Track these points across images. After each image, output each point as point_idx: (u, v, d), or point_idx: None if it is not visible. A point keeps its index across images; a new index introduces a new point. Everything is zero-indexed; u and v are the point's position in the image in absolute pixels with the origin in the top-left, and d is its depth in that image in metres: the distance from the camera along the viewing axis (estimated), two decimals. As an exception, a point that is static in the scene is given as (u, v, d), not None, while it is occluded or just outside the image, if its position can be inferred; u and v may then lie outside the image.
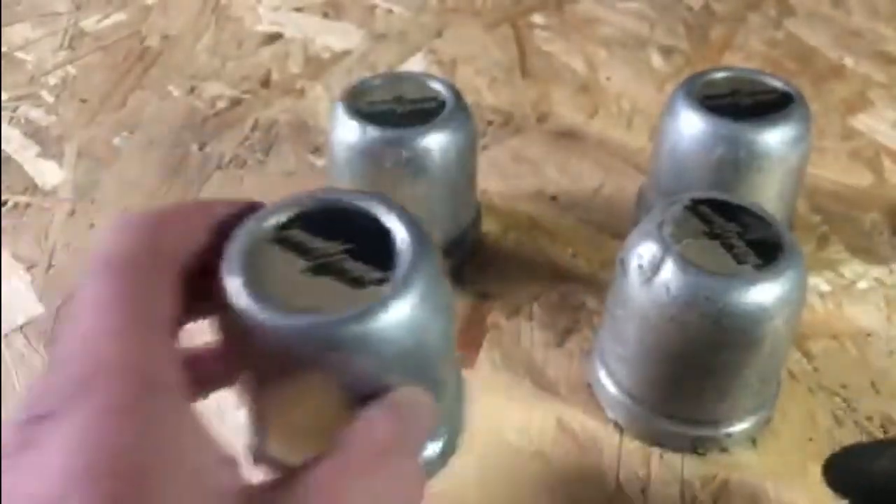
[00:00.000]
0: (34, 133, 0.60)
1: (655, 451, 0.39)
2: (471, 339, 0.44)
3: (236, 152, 0.57)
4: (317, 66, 0.66)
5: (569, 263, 0.48)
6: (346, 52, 0.68)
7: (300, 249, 0.25)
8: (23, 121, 0.61)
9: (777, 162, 0.42)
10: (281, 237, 0.26)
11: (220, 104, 0.62)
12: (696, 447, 0.38)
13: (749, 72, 0.46)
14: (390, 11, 0.73)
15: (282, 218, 0.26)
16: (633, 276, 0.35)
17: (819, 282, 0.47)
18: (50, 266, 0.49)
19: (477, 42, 0.69)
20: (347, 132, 0.42)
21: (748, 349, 0.34)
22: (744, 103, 0.43)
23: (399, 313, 0.24)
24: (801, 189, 0.46)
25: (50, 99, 0.63)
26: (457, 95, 0.44)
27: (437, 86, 0.44)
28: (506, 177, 0.55)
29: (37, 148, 0.58)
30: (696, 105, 0.43)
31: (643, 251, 0.35)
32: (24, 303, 0.47)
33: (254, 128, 0.60)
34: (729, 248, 0.34)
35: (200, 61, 0.67)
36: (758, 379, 0.36)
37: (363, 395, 0.24)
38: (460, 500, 0.37)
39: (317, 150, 0.57)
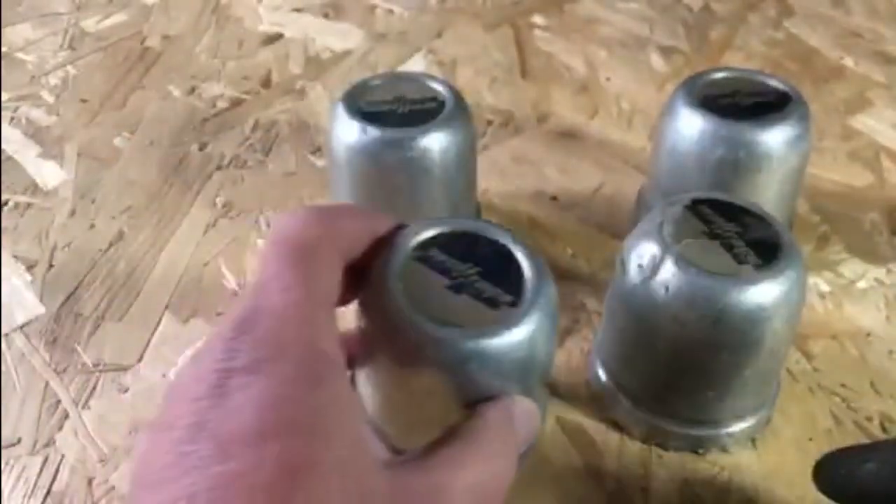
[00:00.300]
0: (35, 133, 0.60)
1: (655, 451, 0.39)
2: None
3: (237, 152, 0.58)
4: (317, 66, 0.66)
5: (569, 263, 0.49)
6: (347, 53, 0.68)
7: (439, 268, 0.29)
8: (23, 121, 0.61)
9: (777, 162, 0.42)
10: (423, 255, 0.29)
11: (221, 104, 0.62)
12: (696, 447, 0.39)
13: (749, 72, 0.46)
14: (390, 12, 0.73)
15: (423, 238, 0.30)
16: (633, 276, 0.35)
17: (819, 282, 0.47)
18: (50, 266, 0.49)
19: (477, 42, 0.69)
20: (347, 132, 0.42)
21: (748, 349, 0.34)
22: (744, 104, 0.43)
23: (524, 332, 0.28)
24: (801, 189, 0.46)
25: (50, 99, 0.63)
26: (457, 95, 0.44)
27: (437, 86, 0.44)
28: (506, 177, 0.55)
29: (37, 148, 0.58)
30: (696, 105, 0.43)
31: (643, 251, 0.35)
32: (25, 302, 0.47)
33: (254, 128, 0.60)
34: (729, 248, 0.34)
35: (201, 61, 0.67)
36: (757, 379, 0.36)
37: (477, 399, 0.28)
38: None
39: (317, 151, 0.58)
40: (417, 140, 0.41)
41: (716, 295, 0.33)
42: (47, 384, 0.42)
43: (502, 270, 0.29)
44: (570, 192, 0.54)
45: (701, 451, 0.39)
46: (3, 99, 0.63)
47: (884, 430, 0.39)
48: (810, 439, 0.39)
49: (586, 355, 0.43)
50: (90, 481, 0.38)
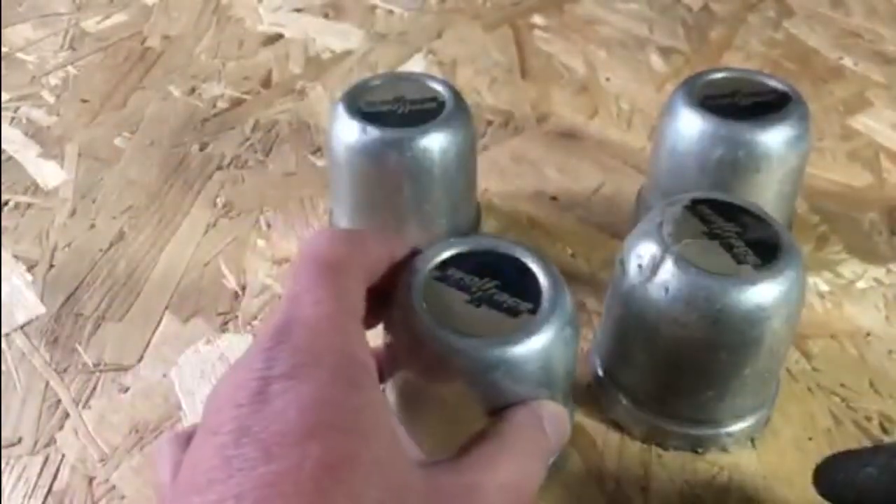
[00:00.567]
0: (35, 133, 0.60)
1: (655, 451, 0.39)
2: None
3: (237, 152, 0.58)
4: (317, 66, 0.66)
5: (568, 263, 0.49)
6: (347, 53, 0.68)
7: (459, 285, 0.31)
8: (24, 121, 0.61)
9: (776, 162, 0.42)
10: (442, 275, 0.31)
11: (221, 104, 0.62)
12: (695, 447, 0.39)
13: (748, 72, 0.46)
14: (390, 12, 0.73)
15: (441, 258, 0.31)
16: (633, 276, 0.35)
17: (818, 282, 0.47)
18: (51, 266, 0.49)
19: (477, 43, 0.69)
20: (347, 132, 0.42)
21: (747, 349, 0.35)
22: (743, 104, 0.43)
23: (546, 338, 0.29)
24: (801, 189, 0.46)
25: (51, 99, 0.63)
26: (457, 95, 0.44)
27: (437, 86, 0.44)
28: (506, 177, 0.55)
29: (38, 148, 0.58)
30: (696, 105, 0.43)
31: (642, 251, 0.35)
32: (25, 302, 0.47)
33: (254, 128, 0.60)
34: (728, 248, 0.35)
35: (201, 62, 0.67)
36: (757, 379, 0.36)
37: (504, 408, 0.29)
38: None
39: (317, 151, 0.58)
40: (417, 140, 0.41)
41: (715, 295, 0.33)
42: (48, 384, 0.43)
43: (519, 281, 0.31)
44: (570, 192, 0.54)
45: (701, 450, 0.39)
46: (3, 99, 0.63)
47: (883, 429, 0.40)
48: (810, 439, 0.39)
49: (586, 355, 0.43)
50: (90, 481, 0.38)
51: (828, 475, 0.31)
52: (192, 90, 0.64)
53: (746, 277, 0.33)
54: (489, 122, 0.60)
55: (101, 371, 0.43)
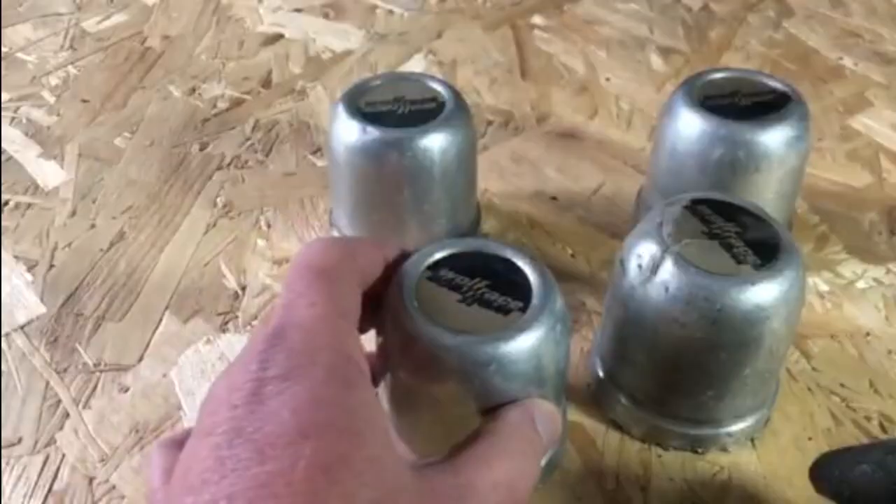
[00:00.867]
0: (35, 133, 0.60)
1: (655, 451, 0.39)
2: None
3: (237, 152, 0.58)
4: (317, 66, 0.66)
5: (568, 263, 0.49)
6: (347, 53, 0.68)
7: (450, 285, 0.31)
8: (24, 121, 0.61)
9: (776, 162, 0.42)
10: (434, 275, 0.31)
11: (221, 104, 0.62)
12: (695, 447, 0.39)
13: (748, 72, 0.46)
14: (390, 12, 0.73)
15: (432, 260, 0.32)
16: (633, 275, 0.35)
17: (818, 282, 0.47)
18: (51, 266, 0.49)
19: (477, 43, 0.69)
20: (347, 132, 0.42)
21: (747, 349, 0.35)
22: (743, 104, 0.43)
23: (537, 334, 0.29)
24: (800, 189, 0.46)
25: (51, 99, 0.63)
26: (457, 96, 0.44)
27: (437, 86, 0.44)
28: (506, 177, 0.55)
29: (38, 148, 0.58)
30: (696, 105, 0.43)
31: (642, 251, 0.35)
32: (26, 302, 0.47)
33: (254, 128, 0.60)
34: (728, 248, 0.35)
35: (201, 62, 0.67)
36: (757, 379, 0.36)
37: (496, 406, 0.29)
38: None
39: (317, 151, 0.58)
40: (417, 140, 0.41)
41: (715, 295, 0.33)
42: (48, 384, 0.43)
43: (509, 281, 0.31)
44: (570, 192, 0.54)
45: (701, 451, 0.39)
46: (3, 99, 0.63)
47: (883, 429, 0.40)
48: (809, 439, 0.39)
49: (586, 355, 0.43)
50: (91, 481, 0.38)
51: (823, 472, 0.31)
52: (193, 90, 0.64)
53: (746, 277, 0.33)
54: (489, 122, 0.60)
55: (101, 371, 0.43)
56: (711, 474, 0.38)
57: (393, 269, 0.31)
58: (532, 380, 0.30)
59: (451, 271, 0.31)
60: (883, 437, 0.39)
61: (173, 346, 0.44)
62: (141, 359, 0.44)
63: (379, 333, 0.32)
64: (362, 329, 0.30)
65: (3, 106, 0.62)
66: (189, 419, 0.41)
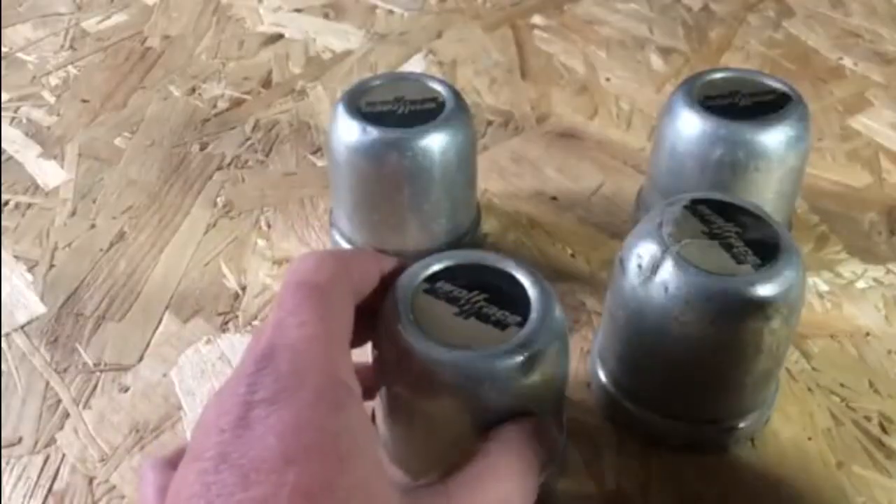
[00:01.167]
0: (35, 133, 0.60)
1: (655, 450, 0.39)
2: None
3: (237, 152, 0.58)
4: (317, 66, 0.66)
5: (568, 263, 0.49)
6: (347, 53, 0.68)
7: (447, 297, 0.30)
8: (24, 121, 0.61)
9: (776, 162, 0.42)
10: (431, 288, 0.31)
11: (221, 104, 0.62)
12: (695, 447, 0.39)
13: (748, 72, 0.46)
14: (390, 12, 0.73)
15: (430, 272, 0.31)
16: (632, 275, 0.35)
17: (818, 281, 0.47)
18: (51, 266, 0.49)
19: (477, 43, 0.69)
20: (347, 132, 0.42)
21: (747, 349, 0.35)
22: (743, 104, 0.43)
23: (534, 350, 0.29)
24: (800, 189, 0.47)
25: (51, 99, 0.63)
26: (457, 96, 0.44)
27: (437, 86, 0.44)
28: (506, 177, 0.55)
29: (38, 148, 0.58)
30: (696, 105, 0.43)
31: (642, 251, 0.35)
32: (26, 302, 0.47)
33: (255, 128, 0.60)
34: (728, 248, 0.35)
35: (201, 62, 0.67)
36: (756, 378, 0.36)
37: (493, 422, 0.29)
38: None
39: (317, 151, 0.58)
40: (417, 140, 0.41)
41: (715, 295, 0.33)
42: (48, 384, 0.43)
43: (508, 294, 0.30)
44: (569, 192, 0.54)
45: (700, 450, 0.39)
46: (4, 99, 0.63)
47: (883, 429, 0.40)
48: (809, 439, 0.39)
49: (586, 355, 0.43)
50: (91, 480, 0.38)
51: None
52: (193, 90, 0.64)
53: (746, 277, 0.33)
54: (489, 122, 0.60)
55: (101, 371, 0.43)
56: (711, 474, 0.38)
57: (390, 281, 0.31)
58: (530, 397, 0.29)
59: (448, 284, 0.31)
60: (883, 437, 0.39)
61: (173, 346, 0.44)
62: (141, 359, 0.44)
63: (375, 346, 0.31)
64: (358, 342, 0.29)
65: (3, 106, 0.62)
66: (189, 419, 0.41)
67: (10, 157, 0.58)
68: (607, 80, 0.64)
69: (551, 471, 0.34)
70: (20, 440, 0.40)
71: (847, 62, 0.66)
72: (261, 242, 0.50)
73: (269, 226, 0.52)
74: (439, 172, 0.43)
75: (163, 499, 0.24)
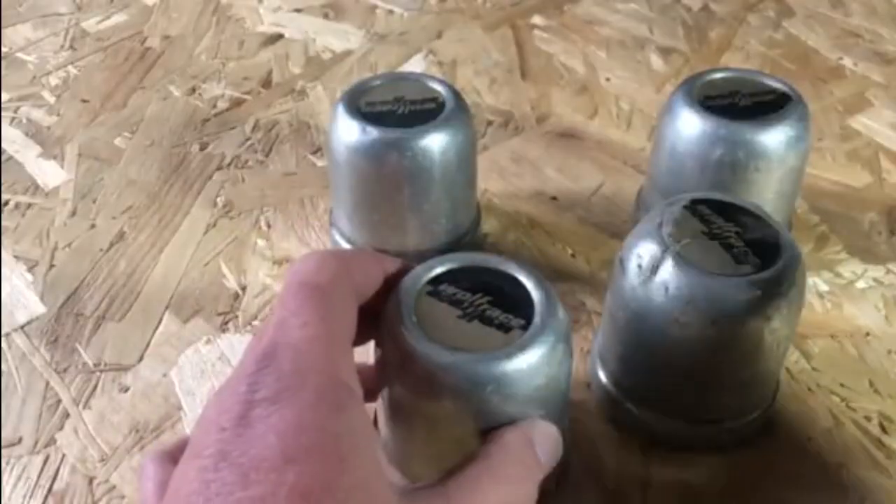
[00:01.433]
0: (35, 133, 0.60)
1: (655, 451, 0.39)
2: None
3: (237, 152, 0.58)
4: (317, 66, 0.66)
5: (568, 263, 0.49)
6: (347, 53, 0.68)
7: (450, 300, 0.30)
8: (24, 121, 0.61)
9: (776, 162, 0.42)
10: (434, 290, 0.31)
11: (221, 104, 0.62)
12: (696, 447, 0.39)
13: (748, 72, 0.46)
14: (390, 12, 0.73)
15: (433, 274, 0.31)
16: (632, 275, 0.35)
17: (818, 282, 0.47)
18: (51, 266, 0.49)
19: (477, 43, 0.69)
20: (347, 132, 0.42)
21: (747, 349, 0.35)
22: (743, 104, 0.43)
23: (538, 354, 0.29)
24: (800, 189, 0.47)
25: (51, 99, 0.63)
26: (457, 96, 0.44)
27: (437, 86, 0.44)
28: (506, 177, 0.55)
29: (38, 148, 0.58)
30: (696, 105, 0.43)
31: (642, 251, 0.35)
32: (26, 302, 0.47)
33: (255, 128, 0.60)
34: (728, 248, 0.35)
35: (201, 62, 0.67)
36: (757, 378, 0.36)
37: (496, 425, 0.29)
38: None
39: (317, 151, 0.58)
40: (417, 140, 0.41)
41: (715, 295, 0.33)
42: (48, 384, 0.43)
43: (511, 297, 0.30)
44: (569, 192, 0.54)
45: (701, 450, 0.39)
46: (4, 99, 0.63)
47: (883, 429, 0.40)
48: (809, 439, 0.39)
49: (586, 355, 0.43)
50: (91, 480, 0.38)
51: None
52: (193, 90, 0.64)
53: (746, 277, 0.33)
54: (489, 122, 0.60)
55: (101, 371, 0.43)
56: (711, 474, 0.38)
57: (393, 283, 0.31)
58: (532, 400, 0.29)
59: (451, 286, 0.31)
60: (883, 437, 0.39)
61: (173, 346, 0.44)
62: (141, 359, 0.44)
63: (377, 345, 0.31)
64: (360, 341, 0.29)
65: (3, 106, 0.62)
66: (189, 419, 0.41)
67: (10, 157, 0.58)
68: (607, 80, 0.64)
69: (553, 474, 0.33)
70: (20, 440, 0.40)
71: (847, 62, 0.66)
72: (261, 242, 0.50)
73: (269, 226, 0.52)
74: (439, 172, 0.43)
75: (162, 494, 0.24)
